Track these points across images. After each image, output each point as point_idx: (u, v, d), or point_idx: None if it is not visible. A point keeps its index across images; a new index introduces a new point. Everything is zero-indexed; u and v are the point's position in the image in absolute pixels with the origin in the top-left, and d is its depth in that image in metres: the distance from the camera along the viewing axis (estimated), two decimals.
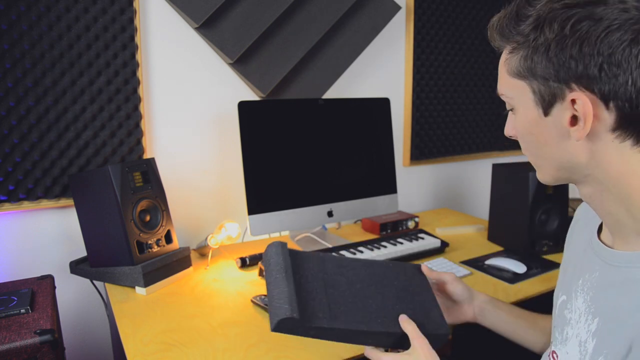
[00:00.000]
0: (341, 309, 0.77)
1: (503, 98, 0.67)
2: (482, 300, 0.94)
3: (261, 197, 1.42)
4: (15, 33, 1.27)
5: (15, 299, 1.10)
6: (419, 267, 0.92)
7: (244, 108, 1.38)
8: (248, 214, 1.39)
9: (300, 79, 1.68)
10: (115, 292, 1.23)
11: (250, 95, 1.65)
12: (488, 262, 1.41)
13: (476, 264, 1.41)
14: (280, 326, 0.71)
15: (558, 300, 0.75)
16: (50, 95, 1.33)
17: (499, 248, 1.56)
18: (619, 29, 0.52)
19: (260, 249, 1.49)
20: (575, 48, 0.55)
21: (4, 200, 1.32)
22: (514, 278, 1.31)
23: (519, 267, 1.35)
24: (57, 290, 1.25)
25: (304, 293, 0.76)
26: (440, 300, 0.92)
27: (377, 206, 1.65)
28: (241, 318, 1.10)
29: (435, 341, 0.79)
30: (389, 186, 1.67)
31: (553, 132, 0.61)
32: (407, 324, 0.78)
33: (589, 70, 0.54)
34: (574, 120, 0.58)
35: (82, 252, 1.37)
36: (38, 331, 0.97)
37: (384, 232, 1.69)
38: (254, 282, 1.30)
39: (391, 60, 1.93)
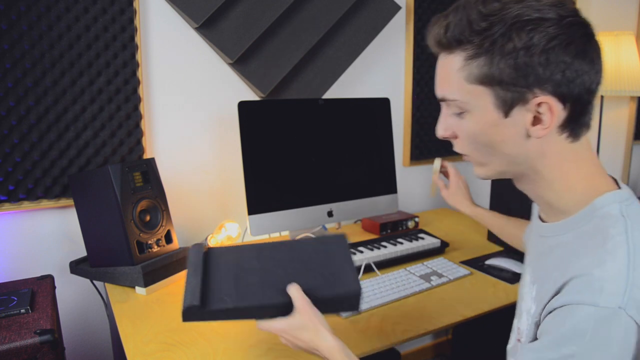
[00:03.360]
0: (245, 290, 0.83)
1: (451, 103, 0.69)
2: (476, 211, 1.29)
3: (261, 197, 1.42)
4: (15, 33, 1.27)
5: (15, 299, 1.10)
6: (340, 235, 0.93)
7: (244, 108, 1.38)
8: (248, 214, 1.39)
9: (300, 79, 1.68)
10: (115, 292, 1.23)
11: (250, 95, 1.65)
12: (488, 262, 1.41)
13: (476, 264, 1.41)
14: (186, 315, 0.79)
15: (522, 282, 0.83)
16: (50, 95, 1.33)
17: (499, 248, 1.56)
18: (571, 43, 0.61)
19: None
20: (543, 56, 0.60)
21: (4, 200, 1.32)
22: (513, 278, 1.31)
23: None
24: (57, 290, 1.25)
25: (212, 284, 0.84)
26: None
27: (377, 206, 1.65)
28: None
29: (342, 302, 0.84)
30: (389, 186, 1.67)
31: (512, 131, 0.66)
32: (292, 289, 0.82)
33: (554, 76, 0.61)
34: (535, 120, 0.64)
35: (82, 252, 1.37)
36: (38, 331, 0.97)
37: (384, 232, 1.69)
38: None
39: (391, 60, 1.93)
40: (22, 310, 1.05)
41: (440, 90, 0.70)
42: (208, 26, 1.49)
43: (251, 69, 1.57)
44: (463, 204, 1.32)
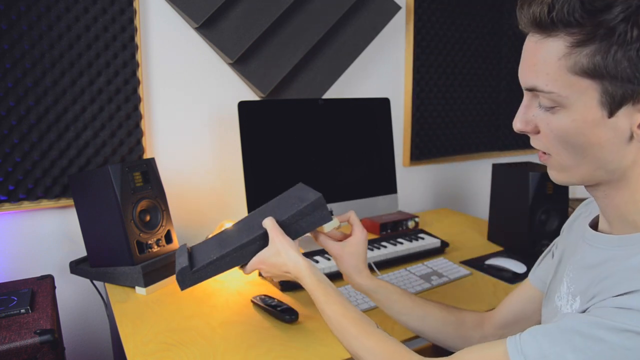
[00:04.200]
0: (226, 242, 0.92)
1: (542, 95, 0.59)
2: (369, 279, 0.96)
3: (261, 197, 1.42)
4: (15, 33, 1.27)
5: (15, 299, 1.10)
6: (298, 184, 1.04)
7: (244, 108, 1.38)
8: (248, 213, 1.39)
9: (300, 79, 1.68)
10: (115, 292, 1.23)
11: (250, 95, 1.65)
12: (488, 262, 1.41)
13: (476, 264, 1.41)
14: (180, 279, 0.87)
15: (554, 295, 0.75)
16: (50, 95, 1.33)
17: (499, 248, 1.56)
18: None
19: None
20: None
21: (4, 200, 1.32)
22: (514, 278, 1.31)
23: (519, 267, 1.35)
24: (57, 290, 1.25)
25: (198, 255, 0.93)
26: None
27: (377, 206, 1.65)
28: (241, 318, 1.10)
29: (308, 215, 0.90)
30: (389, 186, 1.67)
31: (613, 134, 0.56)
32: (266, 220, 0.88)
33: None
34: None
35: (82, 252, 1.37)
36: (38, 331, 0.97)
37: (384, 232, 1.69)
38: (254, 282, 1.30)
39: (391, 60, 1.93)
40: (22, 310, 1.05)
41: (530, 78, 0.59)
42: (208, 26, 1.49)
43: (251, 69, 1.57)
44: (360, 272, 0.96)
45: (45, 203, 1.37)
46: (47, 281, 1.23)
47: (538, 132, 0.62)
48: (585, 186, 0.65)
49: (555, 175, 0.64)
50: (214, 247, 0.93)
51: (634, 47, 0.51)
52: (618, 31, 0.51)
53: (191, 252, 0.97)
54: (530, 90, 0.60)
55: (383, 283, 0.96)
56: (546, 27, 0.56)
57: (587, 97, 0.56)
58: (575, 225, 0.79)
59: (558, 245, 0.83)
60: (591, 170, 0.60)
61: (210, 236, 1.05)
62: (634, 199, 0.60)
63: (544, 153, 0.64)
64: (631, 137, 0.57)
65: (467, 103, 2.14)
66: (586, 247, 0.67)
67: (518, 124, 0.63)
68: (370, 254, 1.39)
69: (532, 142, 0.64)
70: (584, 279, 0.65)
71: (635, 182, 0.60)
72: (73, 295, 1.47)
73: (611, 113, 0.55)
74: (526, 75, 0.60)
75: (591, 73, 0.54)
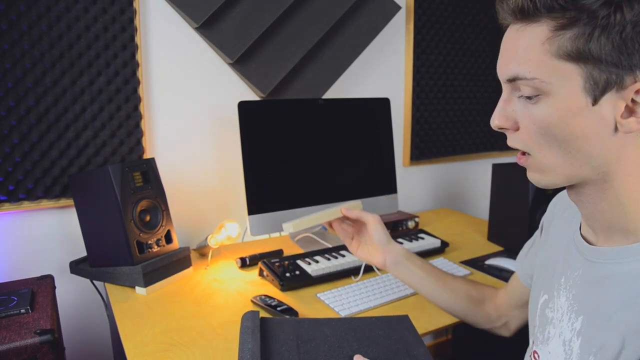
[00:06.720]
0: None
1: (524, 84, 0.56)
2: (398, 252, 1.00)
3: (261, 197, 1.42)
4: (15, 33, 1.27)
5: (15, 299, 1.10)
6: (403, 316, 0.90)
7: (244, 108, 1.38)
8: (248, 214, 1.39)
9: (300, 79, 1.68)
10: (115, 292, 1.23)
11: (250, 95, 1.65)
12: (488, 262, 1.41)
13: (476, 264, 1.41)
14: None
15: (540, 300, 0.73)
16: (50, 95, 1.33)
17: (499, 248, 1.56)
18: None
19: (261, 249, 1.49)
20: None
21: (4, 200, 1.32)
22: None
23: None
24: (57, 290, 1.25)
25: (273, 352, 0.77)
26: (359, 237, 1.03)
27: (377, 206, 1.65)
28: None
29: None
30: (389, 186, 1.67)
31: (596, 123, 0.54)
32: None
33: None
34: (626, 111, 0.53)
35: (82, 252, 1.37)
36: (38, 331, 0.97)
37: None
38: (254, 282, 1.30)
39: (391, 60, 1.93)
40: (22, 310, 1.05)
41: (511, 68, 0.57)
42: (208, 26, 1.49)
43: (251, 69, 1.57)
44: (393, 250, 1.01)
45: (45, 203, 1.37)
46: (47, 281, 1.23)
47: (517, 129, 0.60)
48: (568, 191, 0.62)
49: (537, 177, 0.62)
50: (292, 351, 0.77)
51: (616, 31, 0.50)
52: (601, 14, 0.50)
53: (265, 333, 0.81)
54: (512, 80, 0.58)
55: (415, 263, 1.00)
56: (529, 14, 0.55)
57: (570, 82, 0.54)
58: (553, 226, 0.78)
59: (540, 240, 0.82)
60: (576, 167, 0.57)
61: (286, 317, 0.92)
62: (620, 203, 0.58)
63: (523, 154, 0.61)
64: (616, 129, 0.54)
65: (467, 103, 2.14)
66: (583, 260, 0.64)
67: (496, 120, 0.61)
68: None
69: (510, 141, 0.62)
70: (584, 296, 0.63)
71: (620, 184, 0.57)
72: (73, 295, 1.47)
73: (595, 100, 0.53)
74: (507, 65, 0.58)
75: (575, 56, 0.53)
